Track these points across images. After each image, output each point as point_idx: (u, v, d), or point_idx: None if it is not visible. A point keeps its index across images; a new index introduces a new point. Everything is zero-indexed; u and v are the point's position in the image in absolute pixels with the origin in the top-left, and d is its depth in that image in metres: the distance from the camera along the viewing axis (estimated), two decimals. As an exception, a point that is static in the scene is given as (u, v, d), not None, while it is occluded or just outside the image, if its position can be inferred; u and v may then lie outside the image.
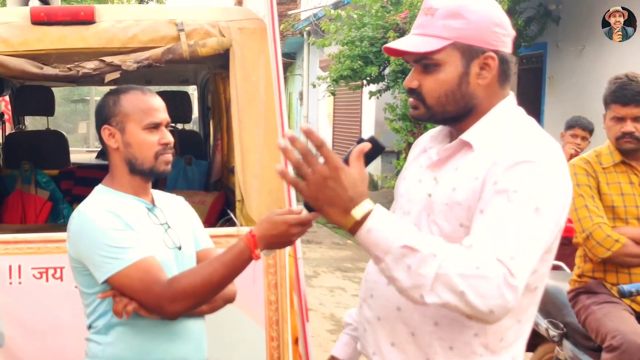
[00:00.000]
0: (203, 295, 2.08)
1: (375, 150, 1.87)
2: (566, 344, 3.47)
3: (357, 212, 1.58)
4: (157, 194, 2.35)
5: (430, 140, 1.92)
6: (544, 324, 3.55)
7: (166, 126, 2.25)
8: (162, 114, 2.24)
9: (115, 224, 2.11)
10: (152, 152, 2.20)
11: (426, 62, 1.76)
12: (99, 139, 2.28)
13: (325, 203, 1.60)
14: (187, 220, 2.38)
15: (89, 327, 2.21)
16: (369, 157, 1.87)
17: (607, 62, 7.68)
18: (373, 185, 14.24)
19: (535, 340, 3.62)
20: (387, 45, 1.82)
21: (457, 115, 1.79)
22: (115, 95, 2.25)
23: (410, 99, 1.83)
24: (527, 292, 1.68)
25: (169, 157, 2.24)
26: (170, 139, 2.24)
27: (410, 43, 1.77)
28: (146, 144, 2.20)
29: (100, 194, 2.24)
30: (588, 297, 3.28)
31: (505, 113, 1.79)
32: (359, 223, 1.58)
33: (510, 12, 7.67)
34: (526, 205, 1.60)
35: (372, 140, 1.86)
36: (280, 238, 1.99)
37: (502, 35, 1.76)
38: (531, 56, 9.58)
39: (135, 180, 2.24)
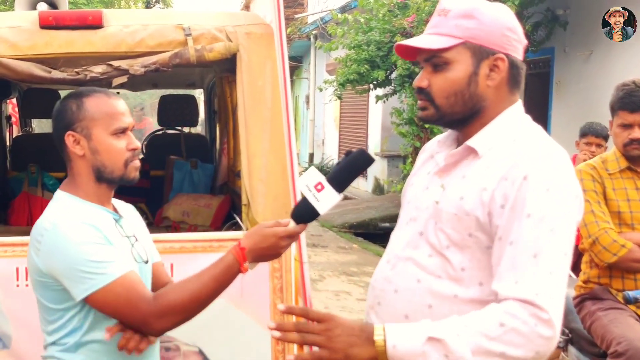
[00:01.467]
0: (191, 310, 1.98)
1: (365, 162, 1.89)
2: (571, 349, 3.47)
3: (378, 337, 1.61)
4: (116, 203, 2.21)
5: (438, 145, 1.93)
6: (549, 329, 3.53)
7: (131, 130, 2.13)
8: (128, 117, 2.12)
9: (94, 237, 1.98)
10: (122, 159, 2.09)
11: (436, 61, 1.78)
12: (57, 145, 2.14)
13: (348, 347, 1.64)
14: (146, 231, 2.28)
15: (53, 343, 2.06)
16: (358, 169, 1.90)
17: (614, 67, 7.66)
18: (379, 190, 14.23)
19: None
20: (400, 42, 1.84)
21: (465, 116, 1.79)
22: (77, 99, 2.09)
23: (419, 101, 1.83)
24: None
25: (137, 163, 2.13)
26: (137, 144, 2.13)
27: (421, 41, 1.80)
28: (115, 150, 2.07)
29: (65, 201, 2.09)
30: (593, 303, 3.28)
31: (512, 120, 1.79)
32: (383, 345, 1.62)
33: (518, 17, 7.59)
34: (542, 229, 1.62)
35: (361, 152, 1.88)
36: (269, 250, 1.97)
37: (514, 40, 1.78)
38: (538, 61, 9.55)
39: (101, 189, 2.11)
